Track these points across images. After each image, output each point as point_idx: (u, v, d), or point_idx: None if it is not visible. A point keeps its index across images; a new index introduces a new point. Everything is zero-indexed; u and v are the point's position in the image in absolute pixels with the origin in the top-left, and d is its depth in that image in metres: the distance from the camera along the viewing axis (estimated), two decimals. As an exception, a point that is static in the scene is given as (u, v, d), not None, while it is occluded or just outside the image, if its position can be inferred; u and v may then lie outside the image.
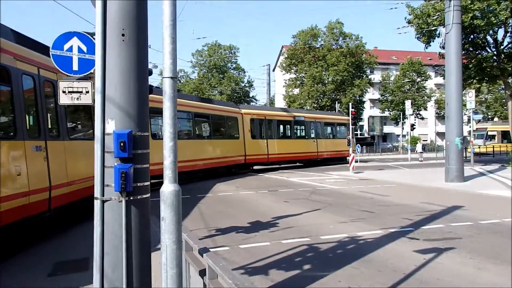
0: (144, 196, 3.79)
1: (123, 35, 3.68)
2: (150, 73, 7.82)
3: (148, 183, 3.84)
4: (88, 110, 10.02)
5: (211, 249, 6.52)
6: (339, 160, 31.12)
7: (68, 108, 8.86)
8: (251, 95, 60.87)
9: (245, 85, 60.18)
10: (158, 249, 3.60)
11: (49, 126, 8.10)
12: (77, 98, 5.11)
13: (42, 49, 8.00)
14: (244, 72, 60.51)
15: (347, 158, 29.80)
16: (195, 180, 19.42)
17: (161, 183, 3.40)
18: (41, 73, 7.87)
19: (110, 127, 3.65)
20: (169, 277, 3.17)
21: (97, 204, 3.65)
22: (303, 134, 28.74)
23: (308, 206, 11.48)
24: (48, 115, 8.18)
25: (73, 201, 8.66)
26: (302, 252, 6.77)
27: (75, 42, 5.25)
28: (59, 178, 7.95)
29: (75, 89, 5.04)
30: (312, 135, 29.17)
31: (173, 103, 3.38)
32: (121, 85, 3.68)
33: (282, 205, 12.00)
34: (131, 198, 3.66)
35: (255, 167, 26.25)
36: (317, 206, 11.57)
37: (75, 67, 5.32)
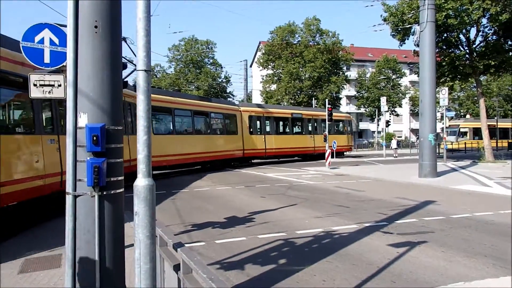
0: (118, 190, 3.74)
1: (95, 27, 3.61)
2: (125, 66, 7.74)
3: (122, 177, 3.79)
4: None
5: (186, 244, 6.48)
6: (337, 154, 32.39)
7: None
8: (228, 91, 60.70)
9: (222, 80, 59.96)
10: (132, 244, 3.56)
11: (61, 124, 9.61)
12: (49, 92, 4.99)
13: None
14: (221, 67, 60.29)
15: (344, 152, 32.20)
16: (172, 175, 19.29)
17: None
18: None
19: (83, 120, 3.59)
20: (142, 273, 3.13)
21: (68, 199, 3.58)
22: (301, 130, 30.43)
23: (285, 201, 11.54)
24: (59, 113, 9.69)
25: None
26: (278, 246, 6.81)
27: (46, 34, 5.12)
28: None
29: (46, 82, 4.92)
30: (310, 131, 30.83)
31: (147, 97, 3.34)
32: (94, 78, 3.62)
33: (258, 200, 12.03)
34: (104, 193, 3.61)
35: (254, 161, 28.14)
36: (293, 201, 11.64)
37: (47, 59, 5.19)
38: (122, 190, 3.79)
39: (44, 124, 9.10)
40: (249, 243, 7.01)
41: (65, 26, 4.10)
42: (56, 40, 5.29)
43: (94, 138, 3.52)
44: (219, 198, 12.62)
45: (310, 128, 31.00)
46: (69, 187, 3.58)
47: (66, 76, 3.91)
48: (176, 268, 3.49)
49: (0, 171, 7.17)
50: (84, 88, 3.60)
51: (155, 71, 58.15)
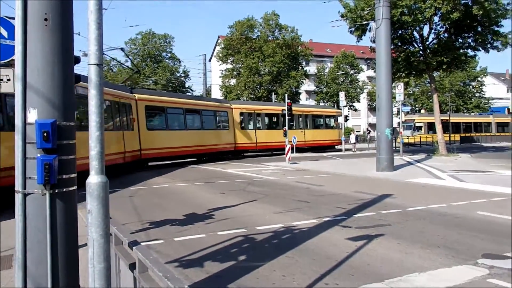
0: (70, 188, 3.62)
1: (46, 19, 3.47)
2: (78, 60, 7.50)
3: (74, 175, 3.68)
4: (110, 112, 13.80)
5: (143, 243, 6.38)
6: (328, 148, 35.94)
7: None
8: (186, 85, 60.12)
9: (180, 75, 59.30)
10: (87, 244, 3.47)
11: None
12: (-4, 86, 4.78)
13: None
14: (180, 61, 59.64)
15: (336, 146, 34.32)
16: (128, 173, 18.94)
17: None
18: None
19: (32, 116, 3.45)
20: (96, 272, 3.06)
21: (18, 198, 3.44)
22: (292, 125, 32.08)
23: (245, 197, 11.56)
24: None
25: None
26: (238, 243, 6.81)
27: (-6, 26, 4.91)
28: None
29: (-6, 76, 4.72)
30: (300, 126, 33.67)
31: (99, 91, 3.25)
32: (44, 72, 3.48)
33: (218, 196, 12.00)
34: (56, 191, 3.48)
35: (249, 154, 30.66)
36: (253, 197, 11.68)
37: (-6, 52, 4.97)
38: (74, 188, 3.67)
39: None
40: (208, 240, 6.98)
41: (14, 18, 3.93)
42: (4, 33, 5.07)
43: (45, 134, 3.40)
44: (178, 195, 12.50)
45: (300, 124, 33.75)
46: (18, 185, 3.44)
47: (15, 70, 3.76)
48: (132, 267, 3.43)
49: None
50: (33, 82, 3.45)
51: (111, 65, 56.81)
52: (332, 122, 36.85)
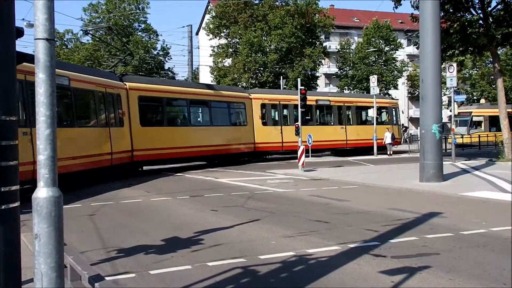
0: (11, 205, 3.62)
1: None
2: (20, 33, 7.51)
3: (16, 187, 3.68)
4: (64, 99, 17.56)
5: (108, 277, 6.41)
6: (380, 149, 35.86)
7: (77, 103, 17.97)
8: (166, 67, 60.22)
9: (158, 53, 59.37)
10: (33, 279, 3.47)
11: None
12: None
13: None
14: (157, 35, 59.73)
15: (391, 145, 34.96)
16: (88, 184, 18.96)
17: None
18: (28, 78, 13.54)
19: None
20: (46, 318, 3.06)
21: None
22: (329, 120, 34.79)
23: (243, 216, 11.54)
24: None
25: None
26: (235, 277, 6.80)
27: None
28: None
29: None
30: (341, 121, 34.97)
31: (50, 75, 3.26)
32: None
33: (208, 215, 11.98)
34: (-9, 209, 3.49)
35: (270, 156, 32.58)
36: (255, 215, 11.66)
37: None
38: (16, 204, 3.68)
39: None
40: (195, 273, 6.97)
41: None
42: None
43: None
44: (155, 213, 12.48)
45: (341, 118, 35.07)
46: None
47: None
48: (94, 310, 3.44)
49: None
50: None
51: (64, 39, 56.87)
52: (384, 116, 38.18)
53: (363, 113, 37.87)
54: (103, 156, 19.60)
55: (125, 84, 22.64)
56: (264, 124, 30.43)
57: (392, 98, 43.08)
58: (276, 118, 31.46)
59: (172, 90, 25.59)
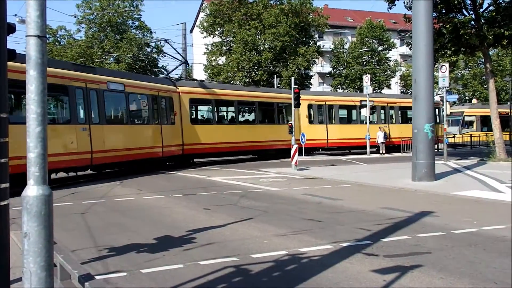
0: (1, 203, 3.59)
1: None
2: (12, 30, 7.46)
3: (6, 184, 3.64)
4: (120, 101, 22.22)
5: (99, 276, 6.37)
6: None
7: (105, 102, 20.73)
8: (160, 65, 60.01)
9: (152, 50, 59.18)
10: (21, 278, 3.43)
11: (93, 116, 19.66)
12: None
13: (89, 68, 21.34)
14: (151, 33, 59.47)
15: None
16: (82, 182, 18.93)
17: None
18: (88, 85, 19.52)
19: None
20: (34, 318, 3.03)
21: None
22: (373, 119, 37.19)
23: (236, 215, 11.53)
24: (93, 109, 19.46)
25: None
26: (227, 276, 6.78)
27: None
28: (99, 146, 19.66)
29: None
30: (383, 120, 38.82)
31: (41, 72, 3.22)
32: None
33: (201, 213, 11.97)
34: (-20, 207, 3.46)
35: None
36: (248, 214, 11.65)
37: None
38: (6, 202, 3.64)
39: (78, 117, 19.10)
40: (187, 272, 6.95)
41: None
42: None
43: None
44: (147, 211, 12.46)
45: (383, 117, 38.98)
46: None
47: None
48: (84, 310, 3.40)
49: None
50: None
51: (57, 36, 56.64)
52: None
53: (406, 113, 40.25)
54: (155, 149, 23.89)
55: (178, 88, 26.75)
56: (311, 122, 34.11)
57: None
58: (322, 117, 34.87)
59: (219, 92, 29.41)
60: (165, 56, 62.75)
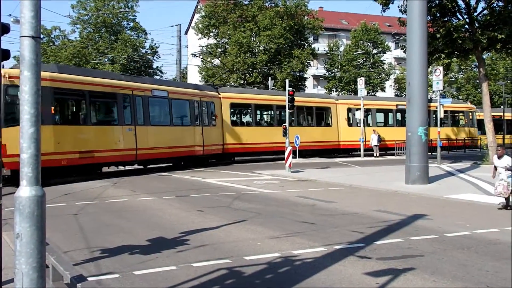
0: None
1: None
2: (6, 29, 7.44)
3: (-1, 185, 3.65)
4: (163, 106, 25.40)
5: (91, 278, 6.36)
6: (459, 148, 41.60)
7: (150, 107, 23.94)
8: (154, 66, 59.96)
9: (146, 51, 59.13)
10: (13, 279, 3.42)
11: (138, 118, 22.83)
12: None
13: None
14: (146, 34, 59.42)
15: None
16: (73, 182, 18.89)
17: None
18: (134, 92, 23.05)
19: None
20: (26, 319, 3.02)
21: None
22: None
23: (229, 217, 11.53)
24: (138, 112, 22.96)
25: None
26: (220, 278, 6.78)
27: None
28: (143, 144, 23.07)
29: None
30: (381, 123, 40.91)
31: (35, 73, 3.21)
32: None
33: (194, 215, 11.96)
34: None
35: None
36: (241, 216, 11.66)
37: None
38: (-1, 203, 3.64)
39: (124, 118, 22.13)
40: (180, 274, 6.94)
41: None
42: None
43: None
44: (140, 213, 12.45)
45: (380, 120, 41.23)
46: None
47: None
48: (76, 311, 3.40)
49: None
50: None
51: (52, 36, 56.53)
52: (462, 120, 44.19)
53: (457, 116, 44.25)
54: (195, 148, 26.74)
55: (220, 94, 30.03)
56: (350, 125, 36.61)
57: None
58: (360, 120, 36.48)
59: (259, 97, 32.43)
60: (159, 57, 62.73)
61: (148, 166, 25.24)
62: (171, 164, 27.03)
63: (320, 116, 36.24)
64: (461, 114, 44.16)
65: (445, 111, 39.88)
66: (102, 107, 23.13)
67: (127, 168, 25.07)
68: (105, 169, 22.76)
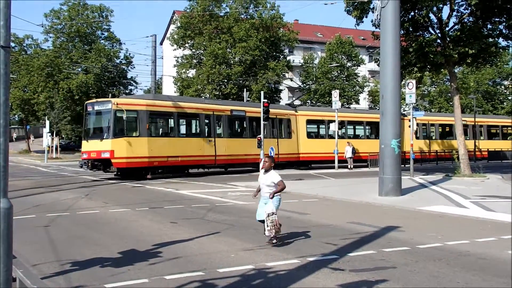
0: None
1: None
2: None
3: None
4: (241, 123, 34.09)
5: (61, 291, 6.21)
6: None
7: (228, 123, 32.20)
8: (129, 76, 59.71)
9: (121, 61, 58.88)
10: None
11: (217, 132, 31.43)
12: None
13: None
14: (120, 44, 59.35)
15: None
16: (43, 192, 18.62)
17: None
18: (215, 112, 31.51)
19: None
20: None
21: None
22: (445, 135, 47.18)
23: (203, 229, 11.47)
24: (218, 127, 31.57)
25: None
26: (192, 291, 6.73)
27: None
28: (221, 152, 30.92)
29: None
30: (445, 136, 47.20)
31: (3, 83, 3.15)
32: None
33: (167, 227, 11.87)
34: None
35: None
36: (215, 228, 11.61)
37: None
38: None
39: (206, 133, 30.45)
40: (152, 287, 6.87)
41: None
42: None
43: None
44: (112, 225, 12.30)
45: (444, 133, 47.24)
46: None
47: None
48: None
49: None
50: None
51: (24, 45, 55.90)
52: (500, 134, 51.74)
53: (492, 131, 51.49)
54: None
55: (297, 112, 37.00)
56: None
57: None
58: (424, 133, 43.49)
59: (330, 115, 37.03)
60: (134, 67, 62.43)
61: (228, 169, 32.37)
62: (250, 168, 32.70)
63: (372, 129, 41.24)
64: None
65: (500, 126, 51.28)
66: (187, 124, 31.18)
67: (211, 170, 32.21)
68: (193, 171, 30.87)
